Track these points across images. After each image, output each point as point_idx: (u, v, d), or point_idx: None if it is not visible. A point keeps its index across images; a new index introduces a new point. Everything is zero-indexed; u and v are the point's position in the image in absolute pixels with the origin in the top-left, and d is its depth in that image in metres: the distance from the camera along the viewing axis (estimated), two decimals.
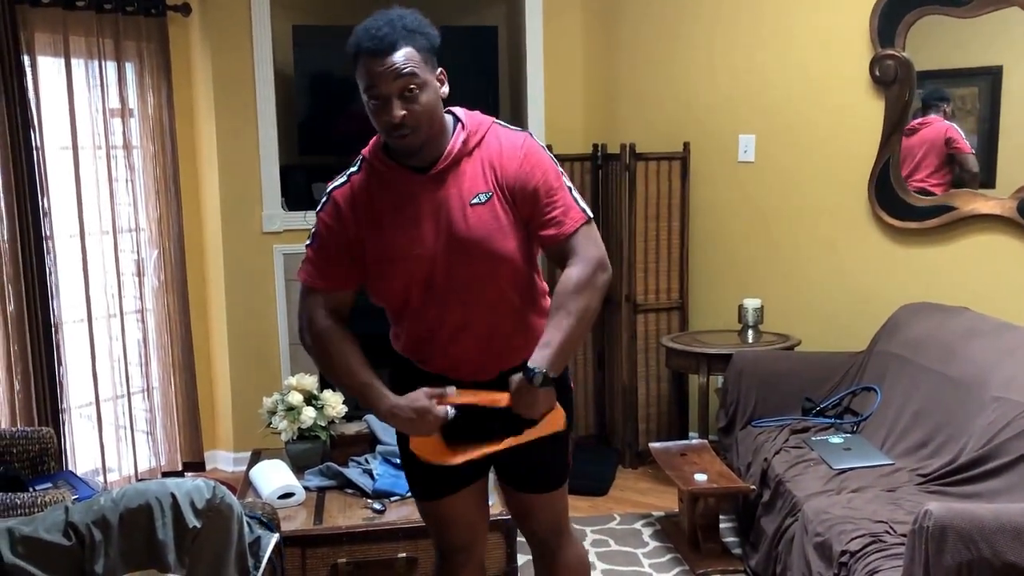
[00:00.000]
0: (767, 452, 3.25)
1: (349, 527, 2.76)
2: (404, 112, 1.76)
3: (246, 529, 1.90)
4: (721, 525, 3.40)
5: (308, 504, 2.94)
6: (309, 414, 3.18)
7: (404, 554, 2.74)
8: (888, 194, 3.79)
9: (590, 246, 1.89)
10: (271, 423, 3.24)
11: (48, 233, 3.58)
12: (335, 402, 3.25)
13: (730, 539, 3.43)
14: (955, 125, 3.70)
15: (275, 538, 2.00)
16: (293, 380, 3.27)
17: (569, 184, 1.95)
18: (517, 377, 1.84)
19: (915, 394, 3.12)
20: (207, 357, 4.35)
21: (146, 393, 4.09)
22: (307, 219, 4.24)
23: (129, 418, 4.02)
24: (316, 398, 3.25)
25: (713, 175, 4.26)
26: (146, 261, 4.05)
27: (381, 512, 2.85)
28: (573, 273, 1.85)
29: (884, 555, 2.38)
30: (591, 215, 1.94)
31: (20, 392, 3.48)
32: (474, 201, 1.85)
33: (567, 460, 2.15)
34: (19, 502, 1.76)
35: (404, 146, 1.81)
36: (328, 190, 1.93)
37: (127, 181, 3.95)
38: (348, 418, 3.35)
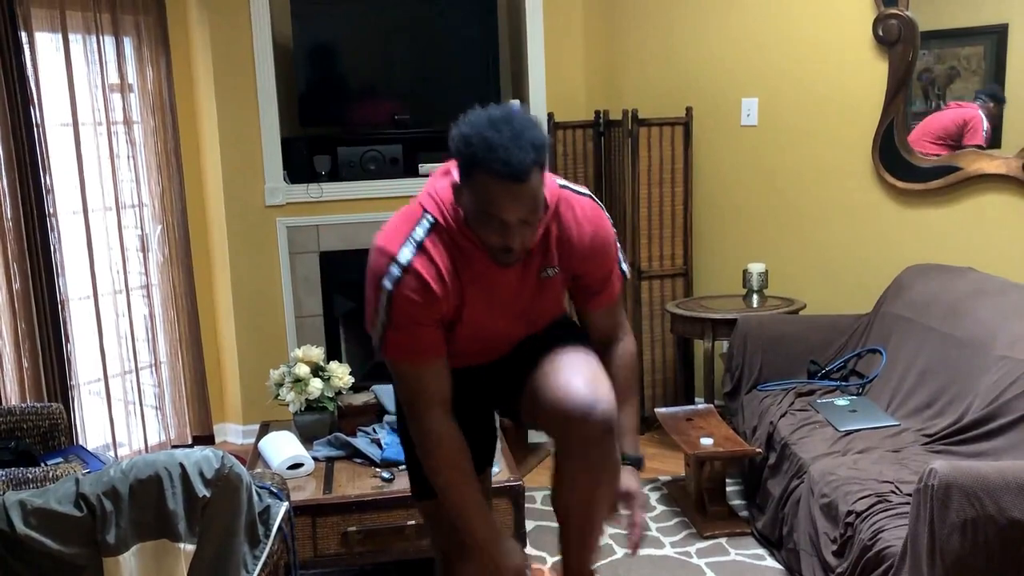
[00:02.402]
0: (773, 415, 3.26)
1: (359, 496, 2.78)
2: (520, 239, 1.68)
3: (255, 498, 1.92)
4: (727, 488, 3.42)
5: (317, 474, 2.97)
6: (316, 385, 3.19)
7: (413, 521, 2.77)
8: (892, 155, 3.77)
9: (623, 311, 2.01)
10: (279, 395, 3.25)
11: (51, 210, 3.58)
12: (342, 373, 3.27)
13: (736, 502, 3.45)
14: (985, 121, 3.64)
15: (285, 507, 2.02)
16: (299, 352, 3.29)
17: (618, 244, 1.97)
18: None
19: (920, 355, 3.12)
20: (213, 331, 4.37)
21: (154, 368, 4.12)
22: (309, 191, 4.24)
23: (138, 393, 4.05)
24: (323, 369, 3.26)
25: (716, 139, 4.23)
26: (150, 236, 4.06)
27: (390, 480, 2.87)
28: (628, 351, 1.98)
29: (890, 514, 2.39)
30: (628, 275, 2.00)
31: (29, 369, 3.51)
32: (543, 275, 1.85)
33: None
34: (31, 476, 1.78)
35: (504, 262, 1.73)
36: (402, 259, 1.70)
37: (128, 156, 3.94)
38: (355, 389, 3.37)
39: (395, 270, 1.69)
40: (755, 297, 3.97)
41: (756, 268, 3.97)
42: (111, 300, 3.93)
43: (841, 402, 3.22)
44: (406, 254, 1.69)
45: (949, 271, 3.37)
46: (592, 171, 4.31)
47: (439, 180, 1.79)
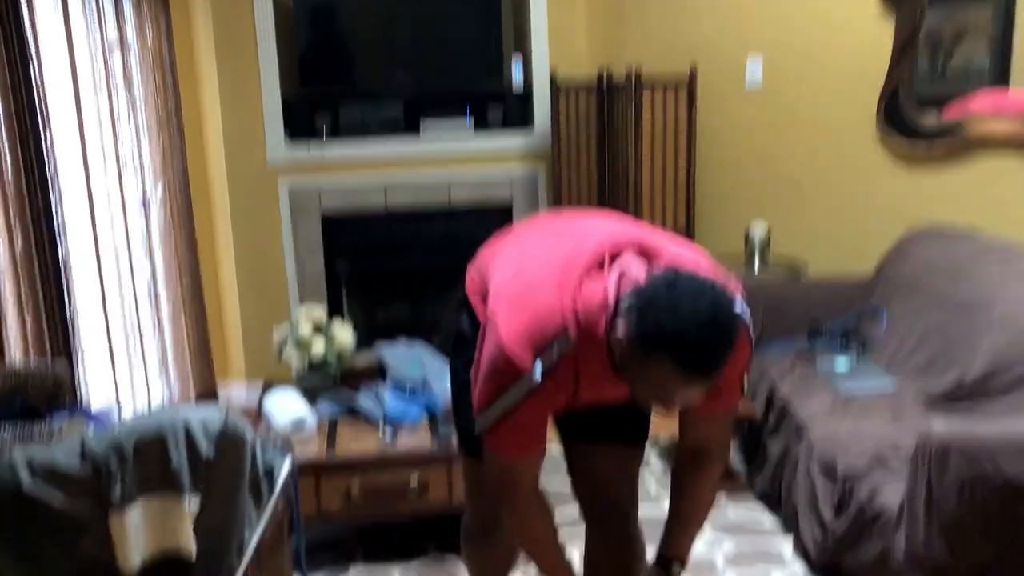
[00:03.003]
0: (773, 376, 3.27)
1: (362, 455, 2.81)
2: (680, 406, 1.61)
3: (259, 456, 1.94)
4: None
5: (320, 433, 2.99)
6: (319, 345, 3.20)
7: (415, 480, 2.79)
8: (898, 116, 3.74)
9: (727, 437, 1.92)
10: (282, 355, 3.27)
11: (52, 170, 3.57)
12: (344, 333, 3.28)
13: (735, 462, 3.48)
14: None
15: (288, 463, 2.03)
16: (302, 311, 3.30)
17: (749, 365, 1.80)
18: (653, 570, 1.89)
19: (921, 317, 3.13)
20: (216, 291, 4.38)
21: (157, 328, 4.13)
22: (310, 151, 4.22)
23: (141, 353, 4.07)
24: (326, 329, 3.27)
25: (720, 100, 4.20)
26: (151, 197, 4.05)
27: (393, 440, 2.89)
28: (715, 476, 1.87)
29: (888, 474, 2.42)
30: (745, 394, 1.88)
31: (32, 329, 3.51)
32: None
33: (648, 419, 2.02)
34: (37, 433, 1.79)
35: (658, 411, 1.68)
36: (534, 380, 1.58)
37: (128, 116, 3.92)
38: (358, 346, 3.38)
39: (523, 386, 1.59)
40: (757, 259, 3.97)
41: (759, 229, 3.96)
42: (113, 260, 3.93)
43: (842, 363, 3.23)
44: (538, 375, 1.58)
45: (952, 234, 3.36)
46: (595, 132, 4.28)
47: (589, 288, 1.60)
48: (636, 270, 1.57)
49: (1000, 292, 2.83)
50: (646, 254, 1.66)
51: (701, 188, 4.29)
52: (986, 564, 2.10)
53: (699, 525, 1.89)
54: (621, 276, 1.58)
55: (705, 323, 1.42)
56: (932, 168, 3.74)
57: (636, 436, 2.01)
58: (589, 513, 2.09)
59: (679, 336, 1.41)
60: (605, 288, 1.57)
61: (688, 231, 4.28)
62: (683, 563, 1.88)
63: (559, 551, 1.84)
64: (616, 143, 4.22)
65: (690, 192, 4.25)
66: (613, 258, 1.63)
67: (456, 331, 1.95)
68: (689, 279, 1.47)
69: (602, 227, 1.76)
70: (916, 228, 3.54)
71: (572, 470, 2.07)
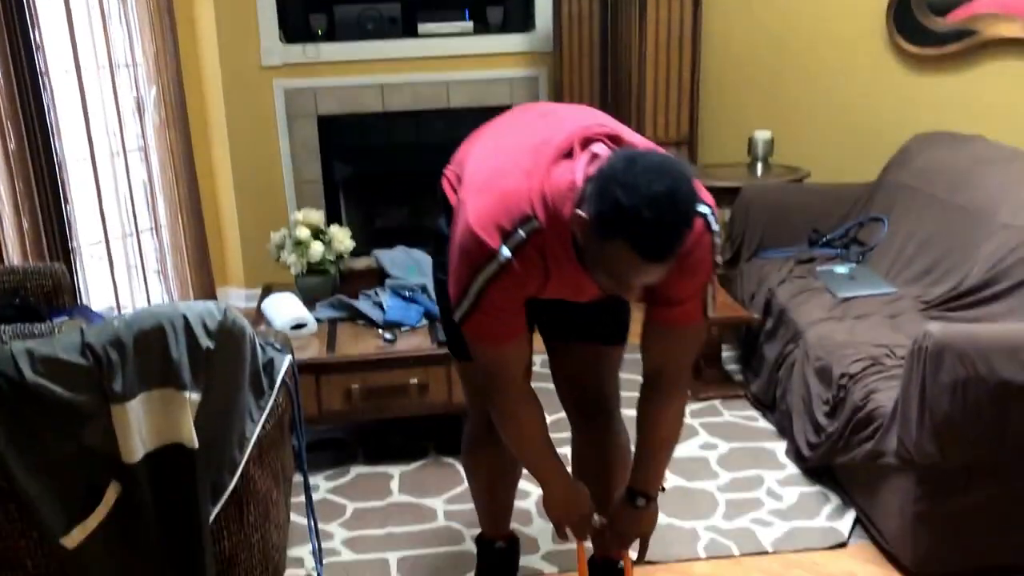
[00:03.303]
0: (772, 282, 3.28)
1: (361, 355, 2.83)
2: (640, 293, 1.61)
3: (259, 351, 1.95)
4: (723, 354, 3.48)
5: (320, 335, 3.01)
6: (317, 248, 3.20)
7: (415, 380, 2.82)
8: (907, 19, 3.65)
9: (687, 360, 1.86)
10: (280, 258, 3.26)
11: (43, 68, 3.50)
12: (343, 237, 3.27)
13: (732, 367, 3.52)
14: None
15: (288, 360, 2.05)
16: (300, 215, 3.28)
17: (715, 277, 1.77)
18: (620, 500, 1.90)
19: (923, 223, 3.12)
20: (213, 194, 4.35)
21: (154, 231, 4.12)
22: (305, 52, 4.13)
23: (139, 256, 4.06)
24: (323, 232, 3.26)
25: (726, 4, 4.09)
26: (145, 98, 3.98)
27: (392, 342, 2.91)
28: (676, 408, 1.89)
29: (882, 377, 2.44)
30: (708, 315, 1.79)
31: (29, 230, 3.50)
32: None
33: (627, 320, 2.03)
34: (37, 332, 1.80)
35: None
36: (502, 257, 1.59)
37: (120, 14, 3.82)
38: (356, 253, 3.37)
39: (493, 265, 1.60)
40: (760, 165, 3.93)
41: (762, 136, 3.92)
42: (108, 162, 3.89)
43: (841, 269, 3.23)
44: (506, 252, 1.59)
45: (957, 139, 3.32)
46: (598, 35, 4.18)
47: (557, 172, 1.60)
48: (606, 157, 1.56)
49: (1002, 198, 2.81)
50: (618, 143, 1.65)
51: (705, 95, 4.22)
52: (974, 463, 2.14)
53: (664, 460, 1.89)
54: (591, 161, 1.57)
55: (662, 201, 1.41)
56: (940, 72, 3.67)
57: (614, 335, 2.01)
58: (572, 412, 2.10)
59: (635, 212, 1.40)
60: (573, 172, 1.57)
61: (691, 138, 4.23)
62: (650, 497, 1.88)
63: (547, 446, 1.83)
64: (620, 46, 4.13)
65: (694, 98, 4.18)
66: (584, 146, 1.62)
67: (436, 233, 1.94)
68: (651, 158, 1.47)
69: (576, 117, 1.75)
70: (921, 133, 3.49)
71: (554, 370, 2.08)
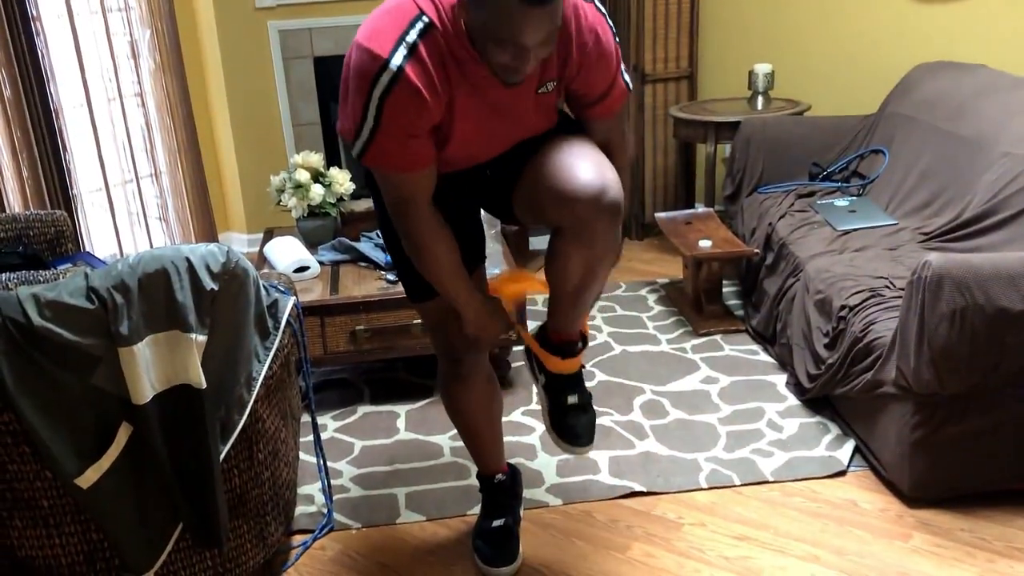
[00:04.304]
0: (772, 217, 3.28)
1: (365, 296, 2.85)
2: (535, 62, 1.54)
3: (263, 292, 1.97)
4: (724, 290, 3.49)
5: (323, 277, 3.03)
6: (317, 191, 3.20)
7: (419, 320, 2.85)
8: None
9: (623, 138, 1.89)
10: (280, 201, 3.27)
11: (35, 14, 3.46)
12: (342, 179, 3.26)
13: (732, 302, 3.54)
14: None
15: (292, 300, 2.06)
16: (299, 158, 3.27)
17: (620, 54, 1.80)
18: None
19: (923, 154, 3.10)
20: (211, 139, 4.34)
21: (154, 178, 4.11)
22: None
23: (140, 203, 4.07)
24: (323, 175, 3.26)
25: None
26: (139, 42, 3.94)
27: (395, 282, 2.93)
28: (622, 168, 1.89)
29: (882, 307, 2.45)
30: (631, 87, 1.84)
31: (29, 178, 3.50)
32: (541, 90, 1.71)
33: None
34: (41, 279, 1.81)
35: (510, 81, 1.57)
36: (393, 64, 1.55)
37: None
38: (356, 196, 3.38)
39: (385, 76, 1.55)
40: (760, 99, 3.90)
41: (762, 69, 3.88)
42: (105, 108, 3.87)
43: (841, 203, 3.23)
44: (398, 59, 1.54)
45: (960, 69, 3.29)
46: None
47: None
48: None
49: (1003, 128, 2.79)
50: None
51: (705, 28, 4.17)
52: (970, 391, 2.17)
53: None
54: None
55: None
56: (943, 0, 3.61)
57: (572, 125, 1.90)
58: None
59: None
60: None
61: (691, 72, 4.19)
62: None
63: (460, 271, 1.82)
64: None
65: (694, 32, 4.13)
66: None
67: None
68: None
69: None
70: (922, 64, 3.46)
71: (512, 210, 1.93)
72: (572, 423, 1.94)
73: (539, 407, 2.87)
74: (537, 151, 1.78)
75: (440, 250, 1.78)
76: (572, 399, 1.95)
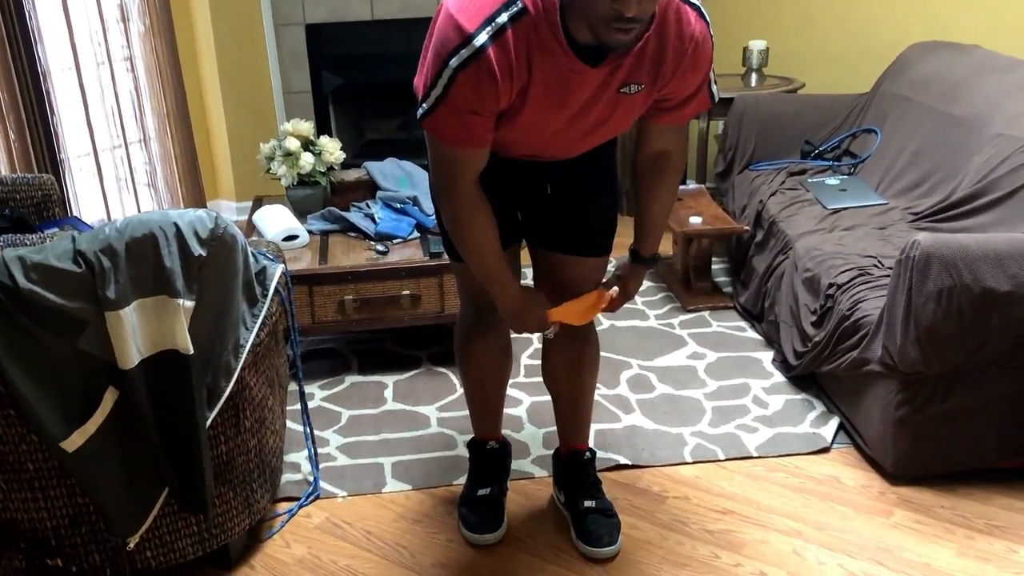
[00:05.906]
0: (763, 194, 3.28)
1: (354, 267, 2.84)
2: (638, 7, 1.45)
3: (252, 259, 1.96)
4: (713, 267, 3.50)
5: (312, 246, 3.01)
6: (307, 159, 3.17)
7: (407, 291, 2.84)
8: None
9: (686, 143, 1.92)
10: (270, 169, 3.24)
11: None
12: (333, 148, 3.24)
13: (721, 279, 3.54)
14: None
15: (280, 268, 2.05)
16: (289, 126, 3.24)
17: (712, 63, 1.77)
18: (628, 264, 2.05)
19: (915, 134, 3.10)
20: (201, 106, 4.30)
21: (143, 143, 4.08)
22: None
23: (129, 169, 4.03)
24: (313, 144, 3.23)
25: None
26: (129, 5, 3.89)
27: (384, 253, 2.92)
28: (677, 179, 1.94)
29: (870, 286, 2.46)
30: (716, 99, 1.81)
31: (16, 142, 3.46)
32: (623, 90, 1.66)
33: (613, 234, 2.05)
34: (28, 242, 1.79)
35: (617, 42, 1.51)
36: (477, 42, 1.53)
37: None
38: (346, 165, 3.35)
39: (466, 51, 1.53)
40: (754, 76, 3.89)
41: (756, 45, 3.86)
42: (94, 72, 3.82)
43: (832, 181, 3.23)
44: (482, 38, 1.52)
45: (954, 48, 3.28)
46: None
47: None
48: None
49: (997, 108, 2.79)
50: None
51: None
52: (954, 370, 2.19)
53: (663, 227, 2.03)
54: None
55: None
56: None
57: (600, 248, 2.02)
58: None
59: None
60: None
61: None
62: (654, 259, 2.04)
63: (499, 255, 1.82)
64: None
65: None
66: None
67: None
68: None
69: None
70: (917, 43, 3.45)
71: (539, 276, 2.08)
72: (591, 527, 2.11)
73: (528, 380, 2.88)
74: (560, 237, 1.97)
75: (481, 228, 1.78)
76: (588, 503, 2.15)
